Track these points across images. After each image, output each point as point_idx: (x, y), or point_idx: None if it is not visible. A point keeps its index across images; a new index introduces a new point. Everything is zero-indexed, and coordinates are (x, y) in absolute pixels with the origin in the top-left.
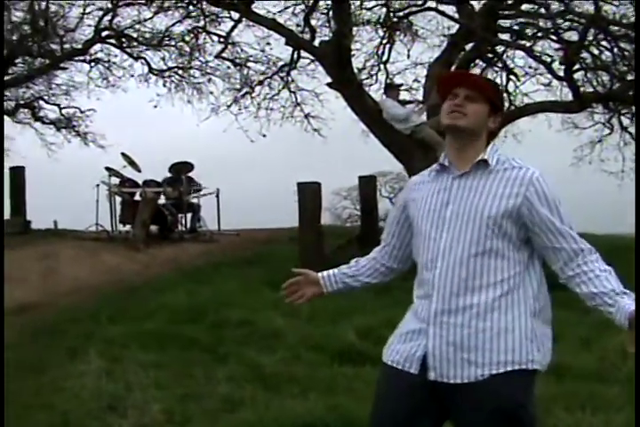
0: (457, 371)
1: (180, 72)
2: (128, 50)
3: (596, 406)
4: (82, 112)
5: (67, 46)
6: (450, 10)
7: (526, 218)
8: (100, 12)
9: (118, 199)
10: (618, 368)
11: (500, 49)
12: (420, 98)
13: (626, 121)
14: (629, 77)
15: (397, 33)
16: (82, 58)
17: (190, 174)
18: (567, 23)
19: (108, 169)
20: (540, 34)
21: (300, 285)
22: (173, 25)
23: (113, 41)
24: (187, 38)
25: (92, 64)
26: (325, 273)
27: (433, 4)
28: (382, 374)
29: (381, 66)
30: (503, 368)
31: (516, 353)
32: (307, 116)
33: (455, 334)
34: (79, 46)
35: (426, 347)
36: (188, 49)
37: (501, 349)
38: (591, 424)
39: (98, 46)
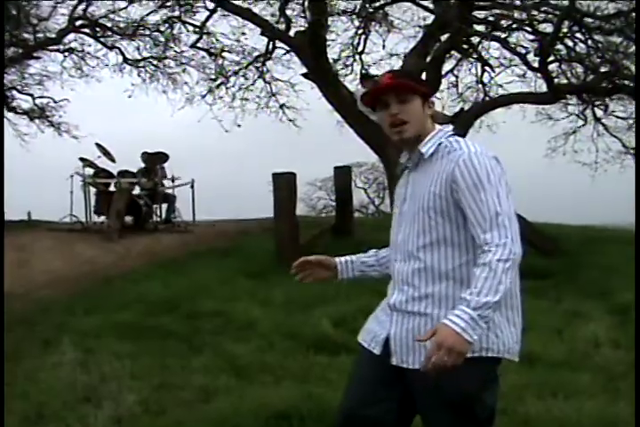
0: (415, 357)
1: (155, 62)
2: (102, 39)
3: (568, 394)
4: (55, 102)
5: (40, 35)
6: (425, 1)
7: (458, 200)
8: (74, 1)
9: (93, 190)
10: (589, 356)
11: (475, 40)
12: None
13: (599, 112)
14: (603, 69)
15: (373, 23)
16: (55, 47)
17: (164, 165)
18: (542, 15)
19: (82, 160)
20: (514, 25)
21: (311, 265)
22: (148, 14)
23: (87, 30)
24: (161, 28)
25: (66, 54)
26: (343, 259)
27: None
28: (358, 352)
29: (357, 56)
30: None
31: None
32: (282, 106)
33: (414, 321)
34: (53, 35)
35: (388, 332)
36: (162, 39)
37: None
38: (562, 411)
39: (72, 36)
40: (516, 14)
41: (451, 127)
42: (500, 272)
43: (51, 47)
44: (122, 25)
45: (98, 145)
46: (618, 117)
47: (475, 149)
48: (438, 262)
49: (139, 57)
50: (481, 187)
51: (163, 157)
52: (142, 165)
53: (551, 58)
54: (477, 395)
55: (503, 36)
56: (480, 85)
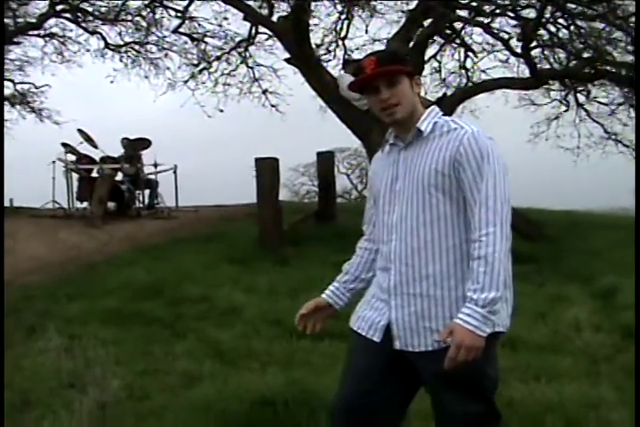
0: (420, 339)
1: (137, 47)
2: (83, 24)
3: (550, 377)
4: (36, 88)
5: (20, 20)
6: None
7: (459, 179)
8: None
9: (75, 176)
10: (571, 340)
11: (458, 25)
12: None
13: (581, 98)
14: (585, 55)
15: (356, 8)
16: (36, 32)
17: (147, 151)
18: (524, 0)
19: (64, 145)
20: (497, 11)
21: (309, 314)
22: None
23: (68, 15)
24: (143, 13)
25: (47, 39)
26: (328, 292)
27: None
28: (351, 340)
29: (339, 42)
30: None
31: None
32: (264, 91)
33: (416, 304)
34: (33, 20)
35: (389, 317)
36: (144, 24)
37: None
38: (544, 394)
39: (52, 21)
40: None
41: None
42: (497, 265)
43: (31, 32)
44: (103, 10)
45: (80, 131)
46: (600, 103)
47: (477, 129)
48: (439, 240)
49: (120, 42)
50: (482, 167)
51: (145, 142)
52: (123, 150)
53: (534, 43)
54: (484, 370)
55: (486, 21)
56: (463, 71)
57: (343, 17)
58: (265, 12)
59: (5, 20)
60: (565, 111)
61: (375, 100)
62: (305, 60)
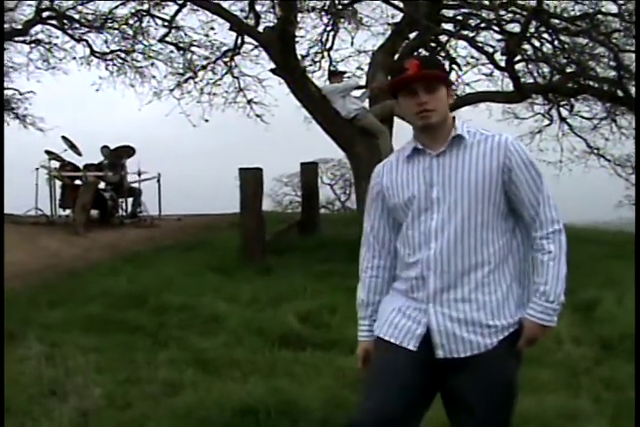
0: (465, 344)
1: (123, 55)
2: (70, 31)
3: (531, 389)
4: (21, 94)
5: (6, 26)
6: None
7: (508, 184)
8: None
9: (58, 183)
10: (552, 352)
11: (443, 38)
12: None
13: (564, 112)
14: (568, 70)
15: (342, 20)
16: (22, 38)
17: (131, 159)
18: (509, 15)
19: (47, 152)
20: (482, 25)
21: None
22: (117, 7)
23: (54, 22)
24: (130, 21)
25: (33, 45)
26: (366, 333)
27: None
28: (378, 349)
29: (325, 53)
30: (507, 331)
31: (514, 318)
32: (249, 101)
33: (458, 309)
34: (19, 26)
35: (427, 325)
36: (131, 32)
37: (501, 316)
38: (524, 405)
39: (38, 27)
40: (484, 14)
41: None
42: (563, 260)
43: (17, 38)
44: (90, 17)
45: (64, 138)
46: (583, 117)
47: (508, 135)
48: (481, 247)
49: (106, 50)
50: (534, 171)
51: (129, 150)
52: (103, 158)
53: (518, 57)
54: (517, 372)
55: (471, 35)
56: None
57: (329, 29)
58: (251, 22)
59: None
60: (548, 125)
61: (410, 103)
62: (290, 70)
